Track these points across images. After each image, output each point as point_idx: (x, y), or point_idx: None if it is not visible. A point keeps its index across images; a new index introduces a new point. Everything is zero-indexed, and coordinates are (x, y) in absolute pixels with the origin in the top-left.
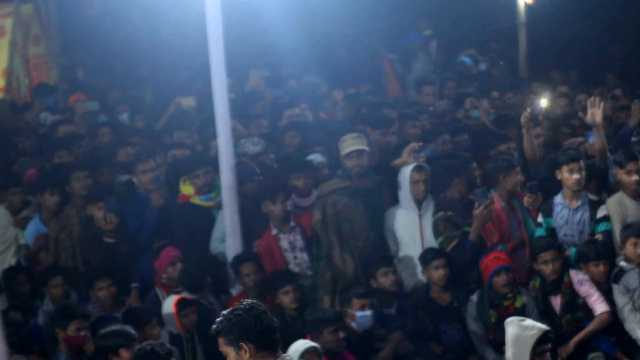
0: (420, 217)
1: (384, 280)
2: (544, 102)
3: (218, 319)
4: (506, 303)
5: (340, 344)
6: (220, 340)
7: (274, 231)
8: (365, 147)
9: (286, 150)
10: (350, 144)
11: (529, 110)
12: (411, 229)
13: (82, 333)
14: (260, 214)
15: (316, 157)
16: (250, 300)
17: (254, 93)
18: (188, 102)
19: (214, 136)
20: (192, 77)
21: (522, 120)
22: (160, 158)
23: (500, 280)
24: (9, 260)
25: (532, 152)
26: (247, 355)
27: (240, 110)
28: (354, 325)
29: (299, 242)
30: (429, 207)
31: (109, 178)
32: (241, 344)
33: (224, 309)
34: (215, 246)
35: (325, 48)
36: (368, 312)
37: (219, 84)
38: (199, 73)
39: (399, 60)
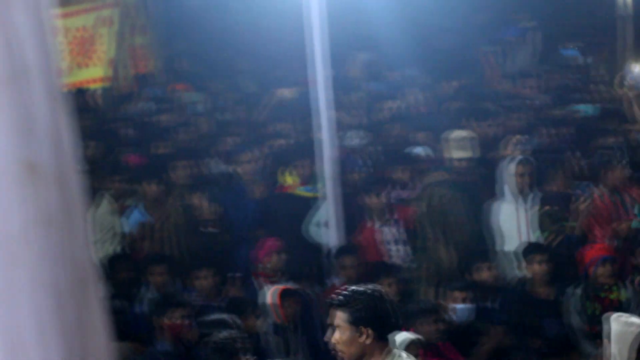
0: (526, 210)
1: (485, 273)
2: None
3: (343, 293)
4: (611, 296)
5: (438, 336)
6: (339, 314)
7: (376, 224)
8: (471, 153)
9: (387, 142)
10: (456, 146)
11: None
12: (515, 223)
13: (185, 321)
14: (363, 206)
15: (418, 150)
16: (381, 288)
17: (353, 83)
18: (288, 93)
19: (313, 128)
20: (294, 68)
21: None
22: (261, 149)
23: (605, 270)
24: (112, 247)
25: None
26: (365, 340)
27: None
28: (453, 317)
29: (400, 235)
30: (534, 201)
31: (210, 168)
32: (363, 327)
33: (322, 299)
34: (309, 229)
35: (426, 39)
36: (468, 305)
37: (321, 74)
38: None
39: (498, 52)
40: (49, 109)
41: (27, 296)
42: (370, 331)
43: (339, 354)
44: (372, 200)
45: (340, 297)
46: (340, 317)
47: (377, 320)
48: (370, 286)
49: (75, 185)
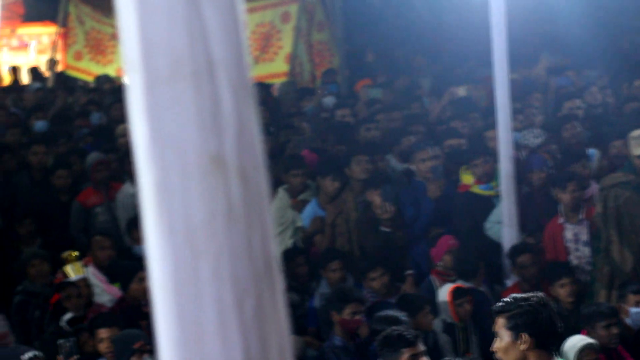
0: None
1: None
2: None
3: (505, 300)
4: None
5: (612, 340)
6: (499, 321)
7: (561, 219)
8: None
9: (569, 142)
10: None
11: None
12: None
13: (358, 317)
14: (547, 205)
15: (592, 152)
16: (543, 295)
17: (536, 81)
18: (462, 91)
19: (489, 126)
20: (473, 66)
21: None
22: (438, 147)
23: None
24: (287, 242)
25: None
26: (523, 346)
27: (521, 99)
28: (628, 321)
29: (584, 236)
30: None
31: (388, 165)
32: (521, 333)
33: (498, 299)
34: (488, 227)
35: (613, 40)
36: None
37: (500, 73)
38: (480, 62)
39: None
40: (235, 103)
41: (209, 288)
42: (528, 338)
43: None
44: (559, 196)
45: (501, 304)
46: (500, 323)
47: (536, 328)
48: (534, 294)
49: (259, 178)
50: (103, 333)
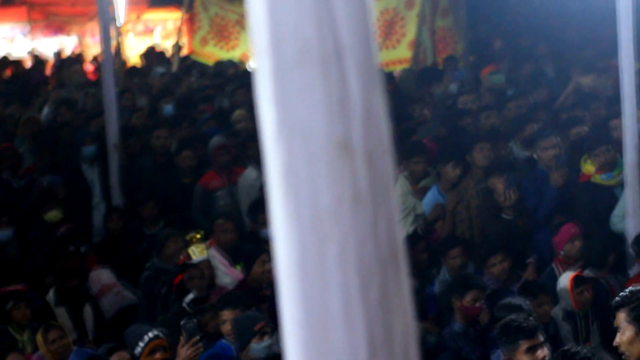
0: None
1: None
2: None
3: (623, 294)
4: None
5: None
6: (620, 315)
7: None
8: None
9: None
10: None
11: None
12: None
13: (478, 304)
14: None
15: None
16: None
17: None
18: (587, 80)
19: (613, 115)
20: (597, 54)
21: None
22: (561, 135)
23: None
24: (407, 228)
25: None
26: None
27: None
28: None
29: None
30: None
31: (511, 153)
32: None
33: (622, 289)
34: (614, 222)
35: None
36: None
37: (626, 61)
38: (604, 50)
39: None
40: (362, 88)
41: (334, 273)
42: None
43: (624, 356)
44: None
45: (619, 298)
46: (620, 317)
47: None
48: None
49: (386, 164)
50: (226, 315)
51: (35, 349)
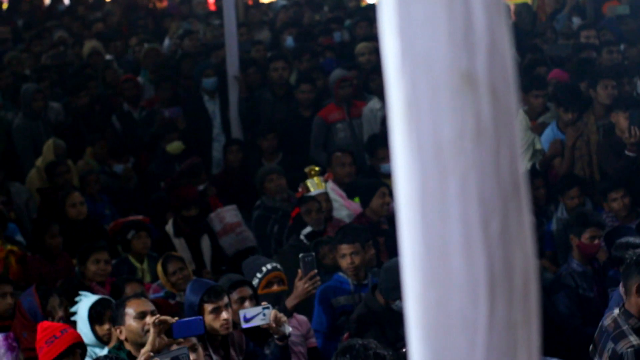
0: None
1: None
2: None
3: None
4: None
5: None
6: None
7: None
8: None
9: None
10: None
11: None
12: None
13: (596, 241)
14: None
15: None
16: None
17: None
18: None
19: None
20: None
21: None
22: None
23: None
24: (525, 163)
25: None
26: None
27: None
28: None
29: None
30: None
31: (636, 88)
32: None
33: None
34: None
35: None
36: None
37: None
38: None
39: None
40: (487, 20)
41: (455, 206)
42: None
43: None
44: None
45: None
46: None
47: None
48: None
49: (509, 96)
50: (345, 249)
51: (154, 278)
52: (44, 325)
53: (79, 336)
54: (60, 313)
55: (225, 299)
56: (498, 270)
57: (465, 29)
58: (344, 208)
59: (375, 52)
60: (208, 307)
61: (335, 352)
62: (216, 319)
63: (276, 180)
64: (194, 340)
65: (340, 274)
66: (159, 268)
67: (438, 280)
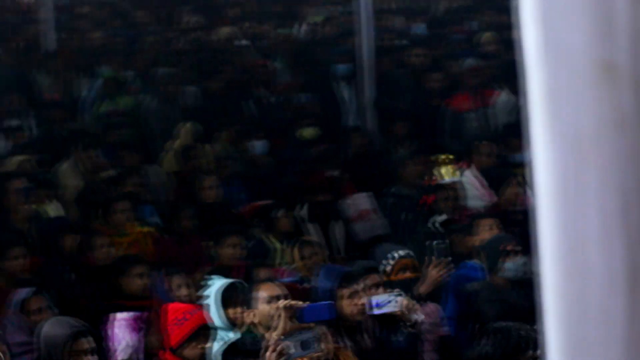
0: None
1: None
2: None
3: None
4: None
5: None
6: None
7: None
8: None
9: None
10: None
11: None
12: None
13: None
14: None
15: None
16: None
17: None
18: None
19: None
20: None
21: None
22: None
23: None
24: None
25: None
26: None
27: None
28: None
29: None
30: None
31: None
32: None
33: None
34: None
35: None
36: None
37: None
38: None
39: None
40: (630, 8)
41: (594, 197)
42: None
43: None
44: None
45: None
46: None
47: None
48: None
49: None
50: (477, 237)
51: (287, 261)
52: (173, 307)
53: (205, 318)
54: (184, 292)
55: (362, 284)
56: (638, 263)
57: (607, 18)
58: (479, 198)
59: (501, 42)
60: (345, 292)
61: (482, 333)
62: (353, 304)
63: (411, 167)
64: (323, 325)
65: (473, 261)
66: (295, 252)
67: (576, 272)
